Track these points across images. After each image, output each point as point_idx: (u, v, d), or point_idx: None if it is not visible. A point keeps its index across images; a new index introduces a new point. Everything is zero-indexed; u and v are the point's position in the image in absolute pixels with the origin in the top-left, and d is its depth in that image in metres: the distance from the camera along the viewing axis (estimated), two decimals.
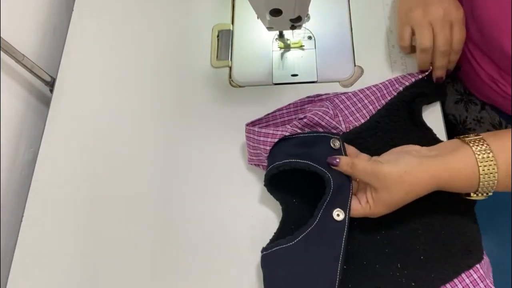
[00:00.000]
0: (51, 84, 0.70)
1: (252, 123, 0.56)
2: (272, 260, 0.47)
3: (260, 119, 0.56)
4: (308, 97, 0.58)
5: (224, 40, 0.68)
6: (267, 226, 0.55)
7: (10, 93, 0.66)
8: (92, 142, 0.63)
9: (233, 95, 0.64)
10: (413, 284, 0.47)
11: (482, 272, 0.47)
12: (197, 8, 0.71)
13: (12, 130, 0.66)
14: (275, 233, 0.52)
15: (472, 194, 0.46)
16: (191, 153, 0.61)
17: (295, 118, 0.56)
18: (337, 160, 0.48)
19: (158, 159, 0.61)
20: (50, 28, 0.75)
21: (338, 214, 0.46)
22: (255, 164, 0.57)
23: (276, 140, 0.52)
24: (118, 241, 0.57)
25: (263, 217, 0.56)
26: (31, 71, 0.66)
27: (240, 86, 0.65)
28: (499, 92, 0.62)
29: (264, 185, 0.52)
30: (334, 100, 0.57)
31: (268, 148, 0.52)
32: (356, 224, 0.50)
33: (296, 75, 0.63)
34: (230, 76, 0.65)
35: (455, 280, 0.47)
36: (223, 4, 0.70)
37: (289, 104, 0.57)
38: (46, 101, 0.74)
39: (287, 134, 0.52)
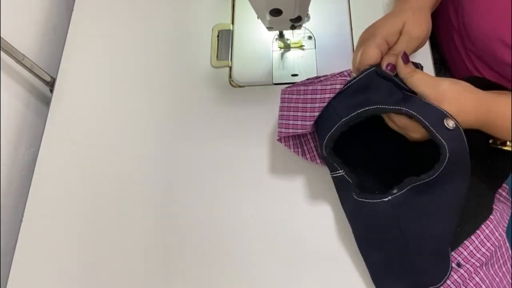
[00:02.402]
0: (51, 84, 0.70)
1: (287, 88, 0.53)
2: (410, 199, 0.45)
3: (293, 87, 0.53)
4: (307, 79, 0.55)
5: (224, 40, 0.68)
6: (267, 226, 0.55)
7: (10, 93, 0.66)
8: (92, 142, 0.63)
9: (233, 95, 0.64)
10: None
11: (495, 222, 0.50)
12: (197, 8, 0.71)
13: (12, 130, 0.66)
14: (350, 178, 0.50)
15: (508, 142, 0.47)
16: (191, 153, 0.61)
17: (330, 88, 0.51)
18: (407, 60, 0.47)
19: (158, 159, 0.61)
20: (50, 28, 0.75)
21: (448, 123, 0.45)
22: (282, 140, 0.55)
23: (327, 96, 0.48)
24: (118, 240, 0.57)
25: (263, 217, 0.56)
26: (31, 71, 0.66)
27: (240, 86, 0.65)
28: None
29: (325, 148, 0.48)
30: (331, 79, 0.54)
31: (317, 106, 0.49)
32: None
33: (296, 75, 0.63)
34: (230, 76, 0.65)
35: (478, 231, 0.50)
36: (223, 4, 0.71)
37: (304, 80, 0.55)
38: (46, 101, 0.74)
39: (338, 87, 0.48)
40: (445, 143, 0.44)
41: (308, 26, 0.66)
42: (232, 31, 0.68)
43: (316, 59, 0.64)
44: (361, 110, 0.46)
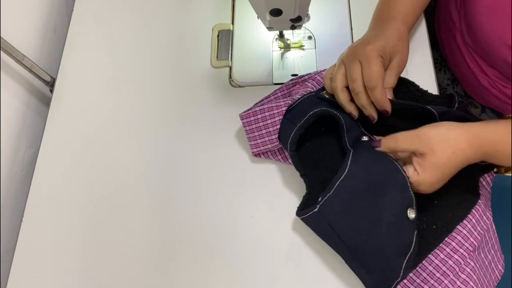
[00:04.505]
0: (51, 84, 0.70)
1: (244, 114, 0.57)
2: (335, 203, 0.48)
3: (248, 110, 0.57)
4: (291, 80, 0.59)
5: (224, 40, 0.68)
6: (267, 226, 0.55)
7: (10, 93, 0.66)
8: (92, 142, 0.63)
9: (233, 95, 0.64)
10: (434, 227, 0.50)
11: (483, 206, 0.51)
12: (197, 8, 0.71)
13: (12, 130, 0.66)
14: (303, 198, 0.53)
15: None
16: (191, 153, 0.61)
17: (284, 103, 0.57)
18: (378, 142, 0.49)
19: (158, 159, 0.61)
20: (50, 28, 0.75)
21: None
22: (260, 154, 0.58)
23: (283, 109, 0.53)
24: (118, 240, 0.57)
25: (263, 217, 0.56)
26: (31, 71, 0.66)
27: (240, 86, 0.65)
28: (497, 95, 0.62)
29: (290, 151, 0.52)
30: (316, 78, 0.58)
31: (278, 119, 0.53)
32: None
33: (296, 75, 0.63)
34: (230, 76, 0.65)
35: (469, 216, 0.50)
36: (223, 4, 0.71)
37: (275, 91, 0.59)
38: (46, 101, 0.74)
39: (290, 102, 0.54)
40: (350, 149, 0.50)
41: (308, 26, 0.66)
42: (232, 31, 0.68)
43: (316, 59, 0.64)
44: (311, 112, 0.51)
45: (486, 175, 0.54)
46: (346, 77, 0.51)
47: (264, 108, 0.55)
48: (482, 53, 0.59)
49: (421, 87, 0.56)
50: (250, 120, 0.56)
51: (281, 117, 0.54)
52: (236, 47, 0.67)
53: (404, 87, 0.55)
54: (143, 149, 0.62)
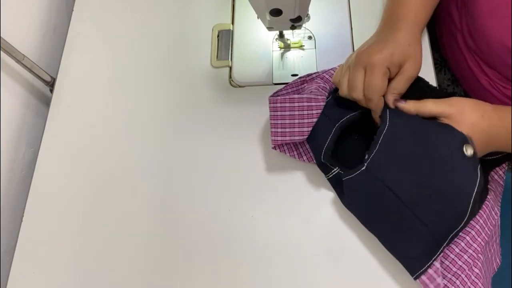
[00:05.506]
0: (51, 84, 0.70)
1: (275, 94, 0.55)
2: (382, 157, 0.48)
3: (284, 96, 0.55)
4: (299, 78, 0.58)
5: (224, 40, 0.68)
6: (267, 226, 0.55)
7: (10, 93, 0.66)
8: (92, 142, 0.63)
9: (233, 95, 0.64)
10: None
11: (492, 202, 0.52)
12: (197, 8, 0.71)
13: (12, 130, 0.66)
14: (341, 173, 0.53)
15: None
16: (190, 152, 0.61)
17: (321, 98, 0.55)
18: (404, 100, 0.50)
19: (158, 159, 0.61)
20: (50, 28, 0.75)
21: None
22: (278, 146, 0.56)
23: (322, 104, 0.52)
24: (118, 240, 0.57)
25: (263, 217, 0.56)
26: (31, 71, 0.66)
27: (240, 86, 0.65)
28: (498, 96, 0.62)
29: (326, 149, 0.52)
30: (324, 76, 0.58)
31: (315, 112, 0.52)
32: None
33: (296, 75, 0.63)
34: (230, 76, 0.65)
35: (480, 211, 0.50)
36: (223, 4, 0.71)
37: (286, 87, 0.57)
38: (46, 101, 0.74)
39: (326, 96, 0.54)
40: (388, 114, 0.49)
41: (308, 26, 0.66)
42: (232, 31, 0.68)
43: (316, 59, 0.64)
44: (356, 112, 0.51)
45: (497, 168, 0.54)
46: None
47: (303, 98, 0.52)
48: (483, 54, 0.59)
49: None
50: (285, 106, 0.53)
51: (319, 111, 0.52)
52: (236, 47, 0.67)
53: (415, 83, 0.55)
54: (143, 149, 0.62)
